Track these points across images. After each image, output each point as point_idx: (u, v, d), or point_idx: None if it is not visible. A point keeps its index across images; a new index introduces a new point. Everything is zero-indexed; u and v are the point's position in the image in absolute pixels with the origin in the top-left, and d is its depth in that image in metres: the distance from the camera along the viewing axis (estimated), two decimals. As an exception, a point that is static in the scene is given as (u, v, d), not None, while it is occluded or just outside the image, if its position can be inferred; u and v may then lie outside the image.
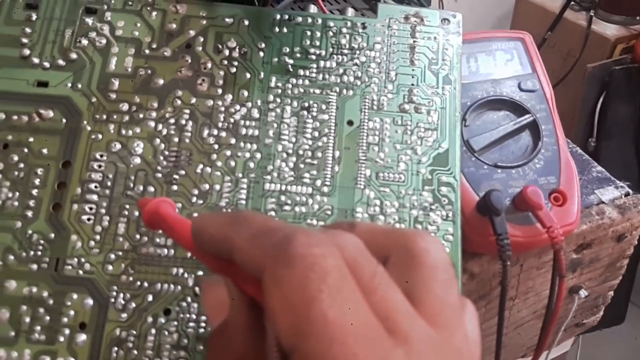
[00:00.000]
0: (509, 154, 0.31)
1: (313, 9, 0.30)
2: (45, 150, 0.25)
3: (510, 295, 0.35)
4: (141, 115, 0.26)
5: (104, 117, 0.26)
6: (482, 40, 0.34)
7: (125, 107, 0.26)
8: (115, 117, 0.26)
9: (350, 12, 0.29)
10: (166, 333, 0.23)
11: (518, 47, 0.34)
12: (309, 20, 0.29)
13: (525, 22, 1.18)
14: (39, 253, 0.24)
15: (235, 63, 0.28)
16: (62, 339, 0.23)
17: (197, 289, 0.24)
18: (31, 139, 0.25)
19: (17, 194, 0.25)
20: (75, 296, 0.23)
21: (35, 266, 0.24)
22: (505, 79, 0.33)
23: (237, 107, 0.27)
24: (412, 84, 0.28)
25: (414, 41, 0.29)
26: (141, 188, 0.25)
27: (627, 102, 0.97)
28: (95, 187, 0.25)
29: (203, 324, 0.23)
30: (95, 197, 0.25)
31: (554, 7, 1.15)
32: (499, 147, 0.31)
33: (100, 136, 0.26)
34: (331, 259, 0.14)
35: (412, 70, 0.28)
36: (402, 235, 0.16)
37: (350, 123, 0.27)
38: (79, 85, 0.26)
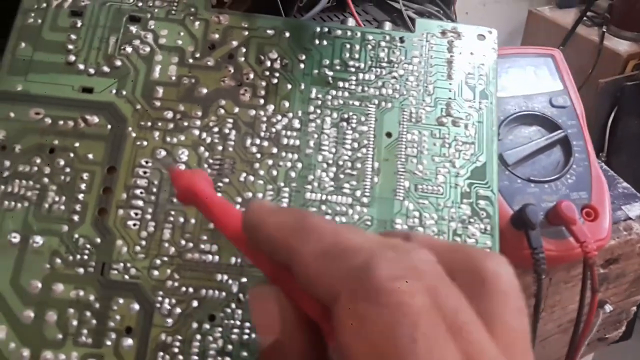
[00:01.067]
0: (541, 169, 0.32)
1: (351, 22, 0.30)
2: (90, 156, 0.26)
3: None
4: (185, 123, 0.27)
5: (149, 124, 0.26)
6: (513, 55, 0.34)
7: (169, 114, 0.27)
8: (160, 124, 0.26)
9: (387, 25, 0.30)
10: (211, 339, 0.23)
11: (548, 63, 0.35)
12: (348, 33, 0.29)
13: (537, 37, 1.19)
14: (86, 257, 0.24)
15: (277, 74, 0.28)
16: (108, 342, 0.23)
17: (241, 295, 0.24)
18: (77, 144, 0.26)
19: (64, 198, 0.25)
20: (121, 301, 0.24)
21: (82, 270, 0.24)
22: (537, 94, 0.33)
23: (279, 117, 0.27)
24: (450, 98, 0.28)
25: (451, 56, 0.29)
26: (185, 195, 0.25)
27: (638, 117, 0.97)
28: (141, 193, 0.25)
29: (247, 331, 0.24)
30: (140, 203, 0.25)
31: (566, 23, 1.17)
32: (531, 162, 0.32)
33: (145, 143, 0.26)
34: (419, 297, 0.12)
35: (450, 84, 0.29)
36: (470, 255, 0.15)
37: (389, 135, 0.27)
38: (124, 92, 0.27)
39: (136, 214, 0.25)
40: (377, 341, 0.12)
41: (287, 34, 0.29)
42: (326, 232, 0.14)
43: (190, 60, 0.28)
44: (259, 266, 0.17)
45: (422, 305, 0.12)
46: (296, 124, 0.27)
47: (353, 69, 0.28)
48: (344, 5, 0.49)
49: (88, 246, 0.24)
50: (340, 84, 0.28)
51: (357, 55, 0.29)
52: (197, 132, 0.27)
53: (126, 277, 0.24)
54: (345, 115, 0.28)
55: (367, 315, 0.12)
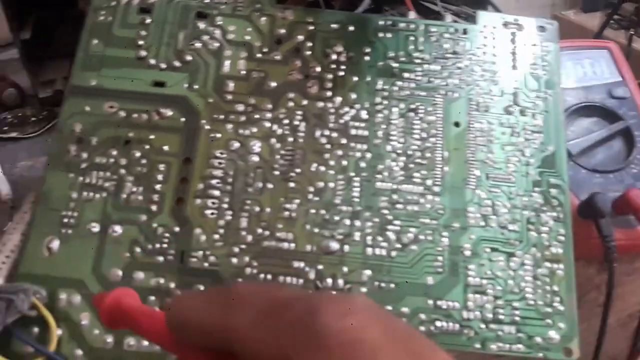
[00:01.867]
0: (603, 159, 0.32)
1: (412, 15, 0.31)
2: (166, 147, 0.26)
3: (598, 301, 0.35)
4: (256, 116, 0.27)
5: (222, 116, 0.27)
6: (570, 49, 0.34)
7: (241, 107, 0.27)
8: (232, 117, 0.27)
9: (448, 18, 0.30)
10: (290, 325, 0.24)
11: (605, 56, 0.35)
12: (411, 26, 0.29)
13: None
14: (165, 246, 0.25)
15: (343, 67, 0.28)
16: (189, 329, 0.23)
17: (318, 282, 0.24)
18: (152, 136, 0.26)
19: (141, 188, 0.26)
20: (201, 288, 0.24)
21: (161, 258, 0.24)
22: (595, 86, 0.33)
23: (346, 108, 0.28)
24: (516, 88, 0.28)
25: (514, 47, 0.29)
26: (260, 185, 0.26)
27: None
28: (217, 182, 0.26)
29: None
30: (217, 193, 0.25)
31: (593, 26, 1.16)
32: (594, 153, 0.32)
33: (218, 135, 0.27)
34: (372, 329, 0.11)
35: (515, 74, 0.29)
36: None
37: (457, 124, 0.28)
38: (196, 86, 0.27)
39: (213, 203, 0.25)
40: None
41: (352, 28, 0.29)
42: (256, 296, 0.13)
43: (259, 55, 0.28)
44: None
45: (377, 337, 0.11)
46: (364, 115, 0.27)
47: (418, 60, 0.29)
48: (380, 9, 0.50)
49: (167, 235, 0.25)
50: (406, 75, 0.28)
51: (421, 47, 0.29)
52: (268, 124, 0.27)
53: (205, 264, 0.24)
54: (413, 106, 0.28)
55: None
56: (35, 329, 0.23)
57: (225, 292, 0.14)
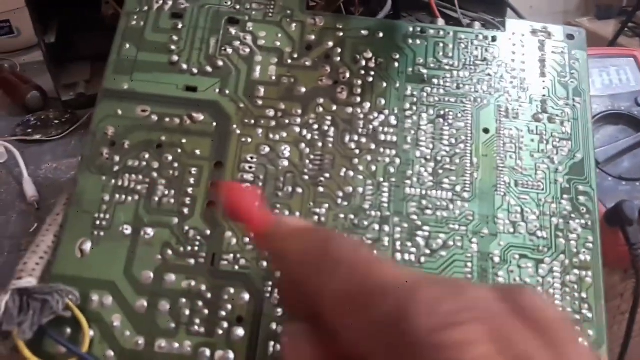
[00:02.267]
0: (630, 167, 0.32)
1: (441, 22, 0.31)
2: (197, 151, 0.26)
3: (621, 309, 0.35)
4: (287, 121, 0.27)
5: (252, 121, 0.27)
6: (595, 56, 0.35)
7: (271, 112, 0.27)
8: (262, 122, 0.27)
9: (477, 25, 0.30)
10: (321, 329, 0.24)
11: (631, 64, 0.35)
12: (441, 32, 0.30)
13: (578, 47, 1.18)
14: (196, 248, 0.25)
15: (372, 73, 0.29)
16: (220, 332, 0.24)
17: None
18: (184, 140, 0.27)
19: (173, 191, 0.26)
20: (232, 290, 0.24)
21: (192, 261, 0.25)
22: (622, 94, 0.33)
23: (375, 114, 0.28)
24: (544, 95, 0.28)
25: (543, 54, 0.30)
26: (290, 189, 0.26)
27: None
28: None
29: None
30: (248, 197, 0.26)
31: (607, 33, 1.15)
32: (620, 160, 0.32)
33: (249, 139, 0.27)
34: (482, 347, 0.09)
35: (543, 81, 0.29)
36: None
37: (486, 131, 0.28)
38: (227, 91, 0.28)
39: (244, 207, 0.25)
40: None
41: (381, 34, 0.29)
42: (352, 264, 0.12)
43: (289, 61, 0.29)
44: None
45: (486, 356, 0.09)
46: (393, 120, 0.28)
47: (447, 67, 0.29)
48: (399, 15, 0.50)
49: (198, 238, 0.25)
50: (435, 81, 0.28)
51: (450, 54, 0.29)
52: (297, 129, 0.27)
53: (236, 267, 0.25)
54: (442, 112, 0.28)
55: None
56: (68, 330, 0.23)
57: (326, 240, 0.13)
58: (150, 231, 0.25)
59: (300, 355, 0.13)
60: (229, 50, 0.29)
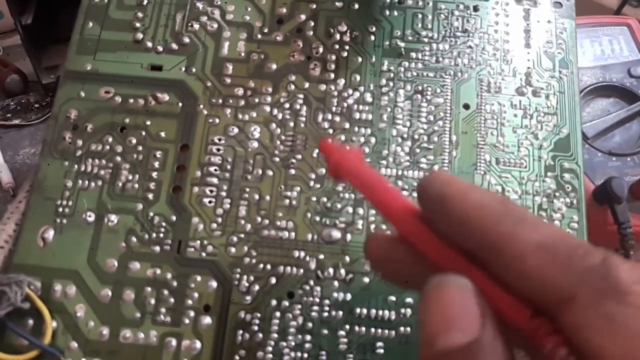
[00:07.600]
0: (620, 142, 0.30)
1: (421, -8, 0.29)
2: (162, 134, 0.25)
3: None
4: (256, 100, 0.26)
5: (220, 101, 0.26)
6: (587, 25, 0.33)
7: (240, 91, 0.26)
8: (231, 101, 0.26)
9: (458, -5, 0.29)
10: (290, 316, 0.23)
11: (625, 33, 0.33)
12: (419, 2, 0.28)
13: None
14: (161, 235, 0.24)
15: (347, 47, 0.27)
16: (187, 321, 0.23)
17: (319, 272, 0.23)
18: (148, 122, 0.26)
19: (137, 176, 0.25)
20: (198, 278, 0.23)
21: (157, 248, 0.24)
22: (614, 64, 0.32)
23: (350, 91, 0.26)
24: (529, 67, 0.27)
25: (528, 24, 0.28)
26: (260, 172, 0.25)
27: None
28: (215, 170, 0.25)
29: (327, 308, 0.23)
30: (215, 180, 0.25)
31: (611, 3, 1.12)
32: (610, 135, 0.30)
33: (217, 120, 0.26)
34: None
35: (528, 53, 0.27)
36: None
37: (466, 107, 0.26)
38: (193, 69, 0.26)
39: (211, 191, 0.24)
40: (632, 344, 0.11)
41: (356, 6, 0.28)
42: (539, 222, 0.13)
43: (259, 36, 0.27)
44: (428, 252, 0.14)
45: None
46: (368, 97, 0.26)
47: (426, 40, 0.27)
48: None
49: (164, 224, 0.24)
50: (413, 55, 0.27)
51: (429, 25, 0.28)
52: (268, 108, 0.26)
53: (203, 254, 0.24)
54: (420, 88, 0.26)
55: (617, 316, 0.11)
56: (30, 321, 0.23)
57: (503, 199, 0.14)
58: (114, 218, 0.24)
59: (461, 308, 0.13)
60: (196, 26, 0.27)
